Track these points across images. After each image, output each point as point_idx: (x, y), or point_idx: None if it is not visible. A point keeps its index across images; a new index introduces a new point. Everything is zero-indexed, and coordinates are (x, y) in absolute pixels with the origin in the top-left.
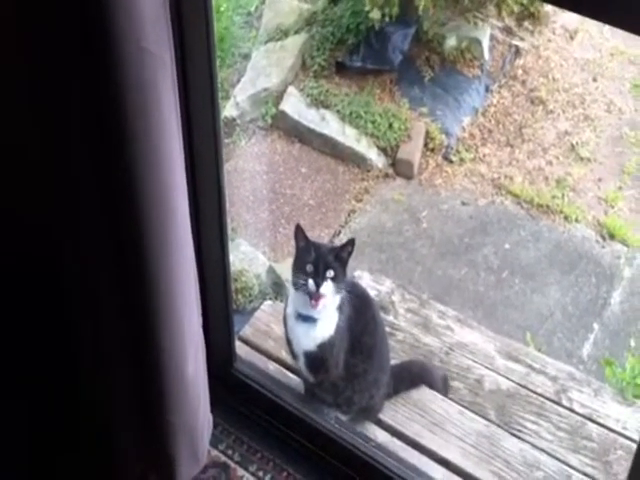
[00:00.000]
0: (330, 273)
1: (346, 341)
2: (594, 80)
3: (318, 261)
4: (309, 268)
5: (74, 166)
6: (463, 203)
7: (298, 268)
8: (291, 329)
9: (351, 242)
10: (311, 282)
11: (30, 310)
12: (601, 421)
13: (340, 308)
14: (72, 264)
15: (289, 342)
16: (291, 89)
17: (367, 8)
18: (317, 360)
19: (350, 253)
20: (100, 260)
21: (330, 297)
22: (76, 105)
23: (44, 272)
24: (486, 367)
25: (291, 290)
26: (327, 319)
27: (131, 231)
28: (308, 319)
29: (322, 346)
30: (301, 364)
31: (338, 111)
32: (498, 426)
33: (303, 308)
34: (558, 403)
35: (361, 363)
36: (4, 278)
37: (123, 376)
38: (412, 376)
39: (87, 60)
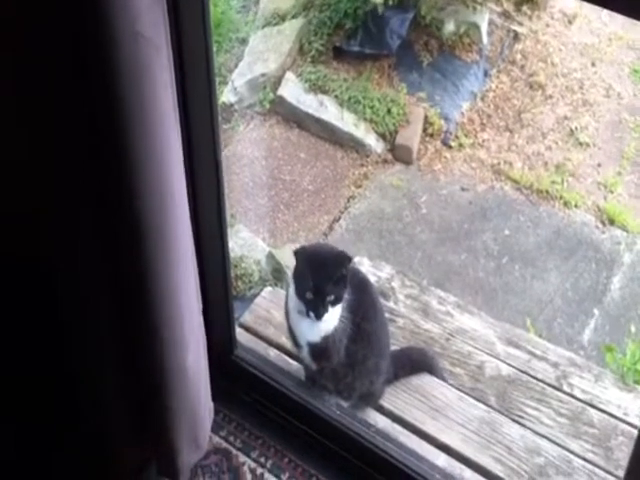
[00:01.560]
0: (331, 297)
1: (348, 328)
2: (593, 65)
3: (318, 290)
4: (309, 296)
5: (68, 154)
6: (462, 189)
7: (299, 286)
8: (294, 322)
9: (348, 259)
10: (312, 315)
11: (27, 300)
12: (602, 407)
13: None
14: (67, 252)
15: (292, 333)
16: (289, 74)
17: None
18: (321, 350)
19: (347, 268)
20: (97, 248)
21: (332, 313)
22: (69, 91)
23: (37, 259)
24: (487, 353)
25: (292, 285)
26: (331, 313)
27: (128, 218)
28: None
29: (326, 337)
30: (304, 353)
31: (336, 96)
32: (499, 412)
33: (300, 305)
34: (559, 389)
35: (361, 349)
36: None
37: (123, 364)
38: (412, 362)
39: (80, 45)
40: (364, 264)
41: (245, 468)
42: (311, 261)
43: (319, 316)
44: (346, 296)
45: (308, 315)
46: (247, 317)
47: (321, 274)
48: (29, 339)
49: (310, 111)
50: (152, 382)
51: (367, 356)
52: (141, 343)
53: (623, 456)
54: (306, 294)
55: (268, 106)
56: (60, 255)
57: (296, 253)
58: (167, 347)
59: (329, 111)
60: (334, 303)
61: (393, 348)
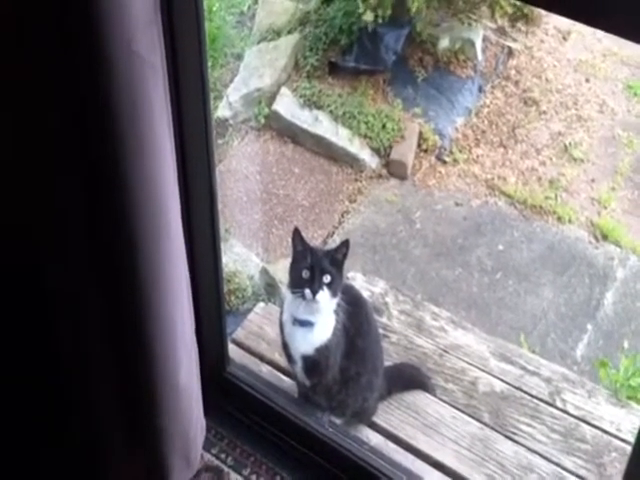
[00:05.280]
0: (327, 278)
1: (342, 343)
2: (587, 81)
3: (314, 267)
4: (305, 274)
5: (62, 172)
6: (457, 204)
7: (295, 273)
8: (288, 334)
9: (345, 243)
10: (308, 291)
11: (18, 312)
12: (595, 423)
13: (336, 311)
14: (61, 269)
15: (286, 347)
16: (284, 89)
17: (360, 10)
18: (315, 364)
19: (345, 255)
20: (90, 265)
21: (327, 302)
22: (66, 110)
23: (30, 276)
24: (480, 369)
25: (288, 295)
26: (325, 323)
27: (121, 234)
28: (306, 323)
29: (320, 350)
30: (298, 368)
31: (331, 112)
32: (492, 429)
33: (300, 313)
34: (552, 405)
35: (355, 365)
36: None
37: (115, 381)
38: (405, 379)
39: (77, 65)
40: (358, 279)
41: None
42: (308, 244)
43: (315, 292)
44: (340, 307)
45: (303, 296)
46: (240, 333)
47: (319, 252)
48: (19, 349)
49: (305, 126)
50: (143, 398)
51: (360, 372)
52: (133, 358)
53: (616, 472)
54: (302, 273)
55: (263, 121)
56: (53, 268)
57: (296, 230)
58: (159, 362)
59: (324, 126)
60: (330, 286)
61: (386, 364)
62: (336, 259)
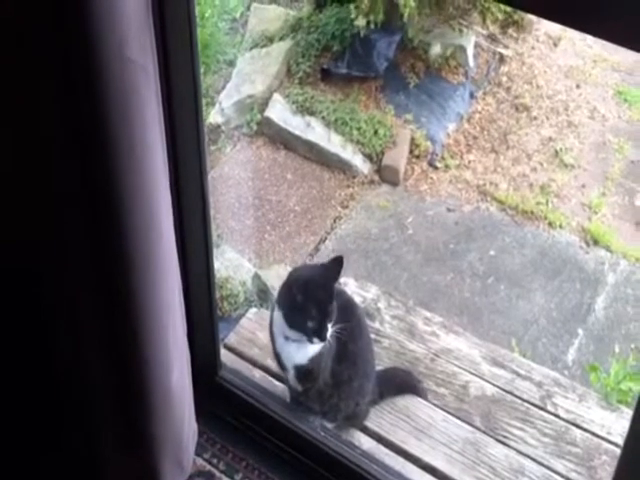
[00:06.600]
0: (331, 318)
1: (334, 349)
2: (577, 87)
3: (321, 317)
4: (311, 324)
5: (55, 177)
6: (448, 209)
7: (296, 319)
8: (280, 346)
9: (339, 260)
10: (316, 339)
11: (14, 320)
12: (586, 426)
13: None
14: (55, 274)
15: (278, 357)
16: (276, 96)
17: (352, 15)
18: (308, 372)
19: (339, 272)
20: (82, 269)
21: None
22: (57, 116)
23: (25, 282)
24: (471, 373)
25: (278, 315)
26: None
27: (113, 240)
28: (298, 340)
29: (313, 359)
30: (290, 376)
31: (323, 118)
32: (484, 432)
33: (293, 334)
34: (543, 409)
35: (347, 370)
36: None
37: (106, 386)
38: (397, 383)
39: (69, 70)
40: (350, 285)
41: None
42: (309, 290)
43: (324, 339)
44: (333, 319)
45: (311, 342)
46: (232, 338)
47: (323, 301)
48: (13, 353)
49: (297, 132)
50: (135, 402)
51: (352, 377)
52: (125, 362)
53: (606, 475)
54: (308, 324)
55: (255, 127)
56: (48, 273)
57: (291, 275)
58: (151, 366)
59: (316, 132)
60: (331, 319)
61: (378, 369)
62: (332, 287)
